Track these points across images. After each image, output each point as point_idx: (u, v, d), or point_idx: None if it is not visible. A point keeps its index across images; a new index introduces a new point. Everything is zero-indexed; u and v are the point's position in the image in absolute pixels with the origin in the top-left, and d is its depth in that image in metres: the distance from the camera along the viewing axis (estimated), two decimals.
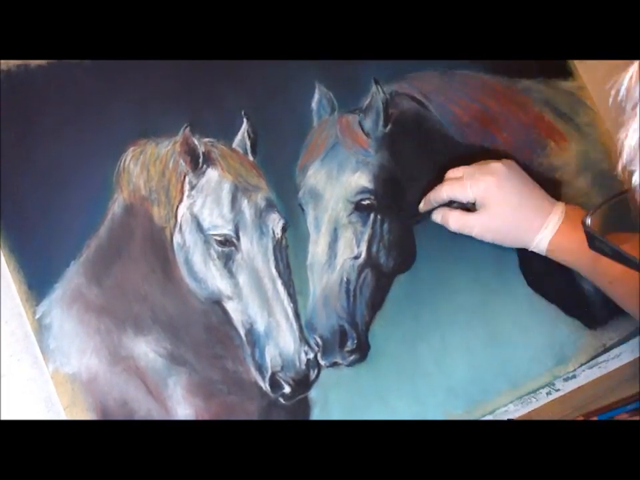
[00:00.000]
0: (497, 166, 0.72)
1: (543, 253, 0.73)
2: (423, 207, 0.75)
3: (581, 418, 0.79)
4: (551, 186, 0.82)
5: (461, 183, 0.72)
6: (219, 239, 0.69)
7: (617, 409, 0.81)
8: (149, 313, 0.66)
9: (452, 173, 0.74)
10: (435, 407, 0.72)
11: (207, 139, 0.71)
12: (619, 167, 0.50)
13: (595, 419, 0.79)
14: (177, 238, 0.69)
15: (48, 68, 0.68)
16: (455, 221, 0.73)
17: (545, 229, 0.72)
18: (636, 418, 0.80)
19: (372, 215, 0.74)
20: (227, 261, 0.69)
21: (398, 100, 0.78)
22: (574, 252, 0.71)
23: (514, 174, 0.72)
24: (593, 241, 0.56)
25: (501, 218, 0.72)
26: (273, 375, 0.68)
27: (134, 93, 0.70)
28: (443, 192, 0.73)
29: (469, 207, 0.73)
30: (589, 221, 0.57)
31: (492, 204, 0.71)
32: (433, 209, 0.75)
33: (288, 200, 0.73)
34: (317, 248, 0.73)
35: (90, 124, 0.68)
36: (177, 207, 0.69)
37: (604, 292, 0.73)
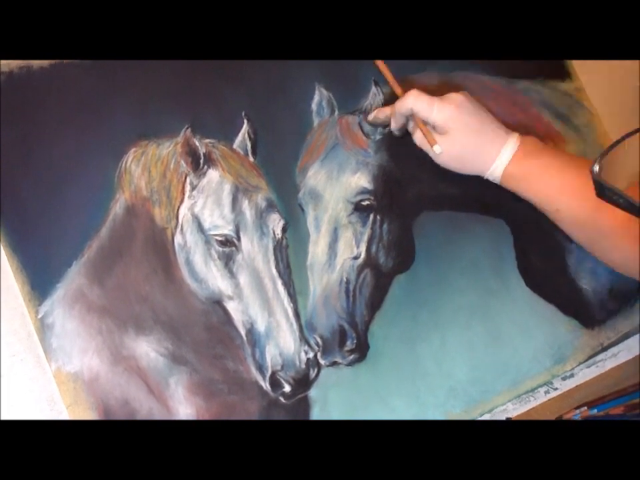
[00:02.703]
0: (458, 95, 0.72)
1: (498, 182, 0.73)
2: (378, 114, 0.75)
3: (576, 412, 0.79)
4: None
5: (430, 100, 0.71)
6: (219, 239, 0.69)
7: (612, 400, 0.82)
8: (150, 313, 0.67)
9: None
10: (435, 406, 0.73)
11: (207, 140, 0.71)
12: None
13: (588, 413, 0.79)
14: (178, 238, 0.69)
15: (49, 69, 0.68)
16: (420, 137, 0.73)
17: (500, 157, 0.72)
18: (633, 412, 0.80)
19: (371, 216, 0.75)
20: (227, 261, 0.69)
21: None
22: (524, 181, 0.72)
23: (472, 103, 0.73)
24: (603, 190, 0.54)
25: (460, 145, 0.72)
26: (273, 374, 0.69)
27: (135, 94, 0.70)
28: (409, 101, 0.72)
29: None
30: (596, 168, 0.55)
31: (452, 131, 0.71)
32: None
33: (288, 200, 0.73)
34: (317, 248, 0.73)
35: (91, 125, 0.68)
36: (178, 207, 0.69)
37: (553, 221, 0.74)
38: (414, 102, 0.72)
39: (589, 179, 0.64)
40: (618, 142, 0.56)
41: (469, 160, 0.73)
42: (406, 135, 0.76)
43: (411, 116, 0.73)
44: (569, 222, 0.72)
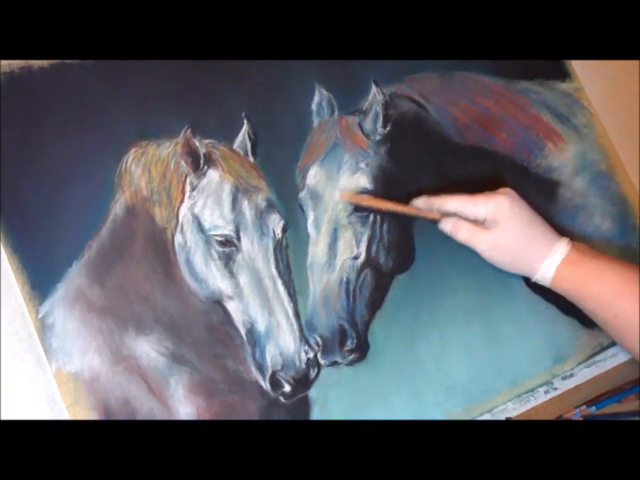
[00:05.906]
0: (507, 189, 0.71)
1: (547, 283, 0.71)
2: (421, 204, 0.73)
3: (576, 410, 0.79)
4: (549, 187, 0.83)
5: (472, 198, 0.70)
6: (219, 239, 0.70)
7: (610, 398, 0.81)
8: (151, 312, 0.67)
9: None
10: (434, 405, 0.73)
11: (207, 140, 0.71)
12: None
13: (587, 412, 0.79)
14: (178, 238, 0.69)
15: (50, 69, 0.68)
16: (465, 231, 0.70)
17: (552, 255, 0.70)
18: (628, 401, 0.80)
19: (371, 216, 0.75)
20: (227, 261, 0.69)
21: (397, 101, 0.78)
22: (579, 283, 0.70)
23: (522, 200, 0.71)
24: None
25: (512, 237, 0.70)
26: (274, 374, 0.69)
27: (135, 94, 0.70)
28: (451, 203, 0.71)
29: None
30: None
31: (504, 221, 0.69)
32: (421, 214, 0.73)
33: (288, 201, 0.73)
34: (317, 248, 0.73)
35: (91, 125, 0.69)
36: (178, 207, 0.69)
37: (605, 328, 0.72)
38: (457, 203, 0.71)
39: None
40: None
41: (518, 256, 0.70)
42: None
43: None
44: (627, 327, 0.69)
